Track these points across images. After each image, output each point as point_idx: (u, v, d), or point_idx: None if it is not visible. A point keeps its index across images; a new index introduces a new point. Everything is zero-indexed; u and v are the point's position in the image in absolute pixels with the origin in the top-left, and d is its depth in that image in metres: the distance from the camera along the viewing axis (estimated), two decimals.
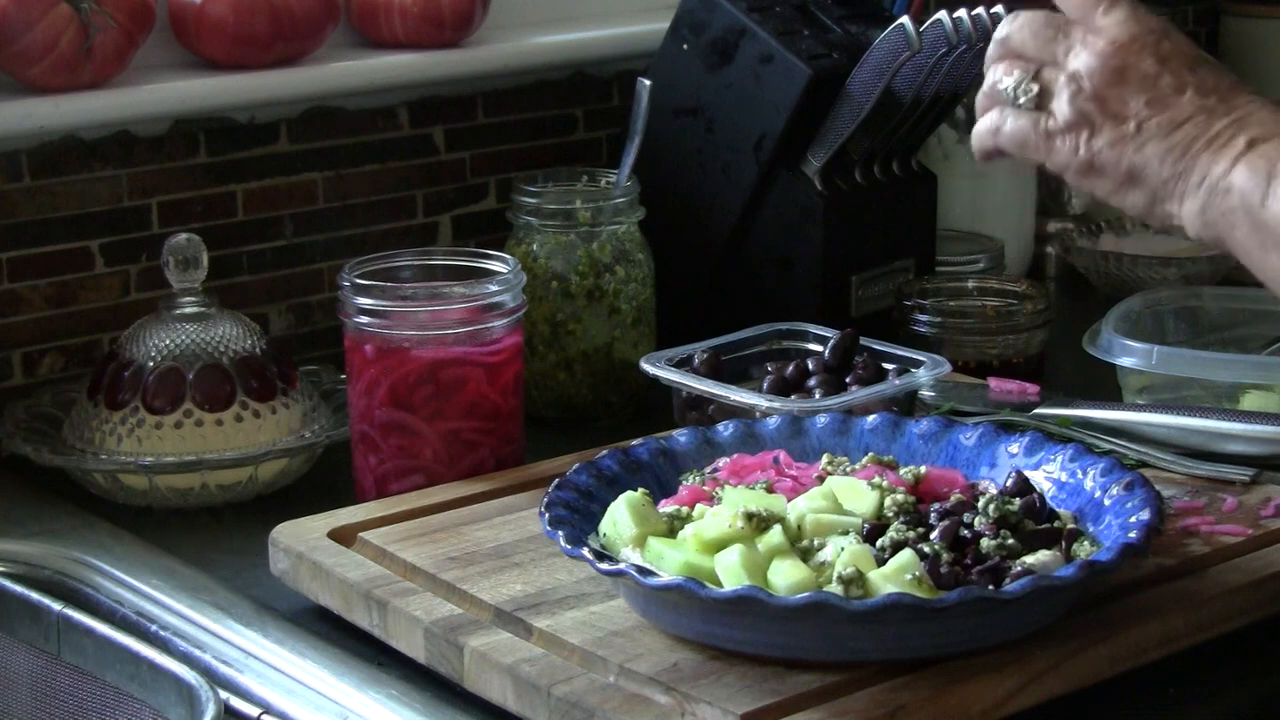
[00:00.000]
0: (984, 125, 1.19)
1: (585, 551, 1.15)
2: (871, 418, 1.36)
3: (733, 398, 1.46)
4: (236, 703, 1.22)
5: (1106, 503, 1.23)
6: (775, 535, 1.15)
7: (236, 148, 1.71)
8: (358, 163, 1.78)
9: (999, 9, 1.69)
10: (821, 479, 1.26)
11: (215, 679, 1.23)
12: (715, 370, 1.51)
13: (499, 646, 1.16)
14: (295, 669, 1.24)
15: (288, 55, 1.71)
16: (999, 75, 1.17)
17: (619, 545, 1.20)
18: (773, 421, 1.36)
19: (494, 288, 1.45)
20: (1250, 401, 1.52)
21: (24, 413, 1.57)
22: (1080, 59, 1.14)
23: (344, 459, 1.50)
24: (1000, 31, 1.18)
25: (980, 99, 1.20)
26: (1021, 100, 1.16)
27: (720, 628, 1.12)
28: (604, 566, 1.14)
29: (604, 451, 1.31)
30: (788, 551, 1.15)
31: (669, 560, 1.15)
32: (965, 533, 1.17)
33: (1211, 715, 1.18)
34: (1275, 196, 1.07)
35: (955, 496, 1.23)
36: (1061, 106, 1.14)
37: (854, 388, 1.48)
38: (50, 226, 1.63)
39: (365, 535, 1.32)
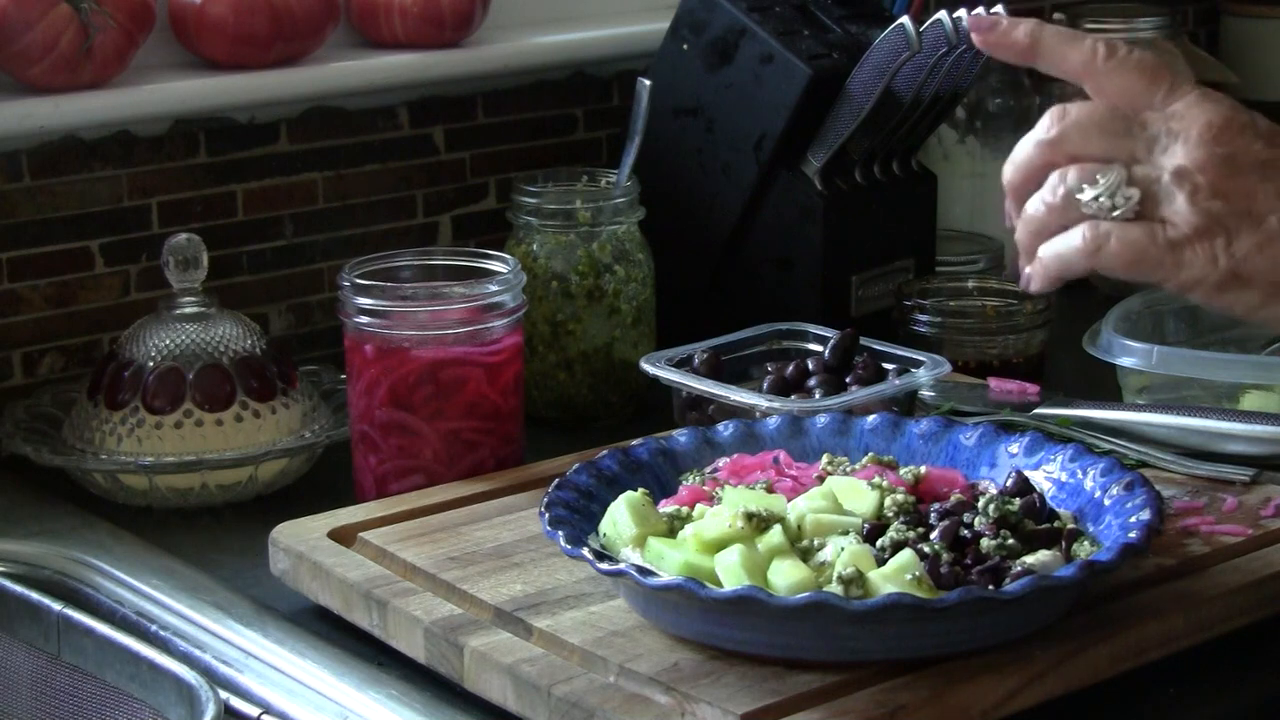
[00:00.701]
0: (1071, 245, 0.98)
1: (585, 551, 1.15)
2: (871, 418, 1.36)
3: (733, 398, 1.46)
4: (236, 703, 1.22)
5: (1106, 503, 1.23)
6: (775, 535, 1.15)
7: (236, 148, 1.71)
8: (358, 163, 1.78)
9: (999, 9, 1.69)
10: (821, 479, 1.26)
11: (215, 679, 1.23)
12: (715, 370, 1.51)
13: (499, 646, 1.16)
14: (295, 669, 1.24)
15: (288, 55, 1.71)
16: (1073, 183, 0.98)
17: (619, 545, 1.20)
18: (773, 421, 1.36)
19: (494, 288, 1.45)
20: (1250, 401, 1.52)
21: (24, 413, 1.57)
22: (1178, 153, 0.96)
23: (344, 459, 1.50)
24: (1045, 133, 1.00)
25: (1043, 212, 1.00)
26: (1120, 209, 0.96)
27: (720, 628, 1.12)
28: (604, 566, 1.14)
29: (604, 451, 1.31)
30: (788, 551, 1.15)
31: (669, 560, 1.15)
32: (965, 533, 1.17)
33: (1211, 715, 1.18)
34: None
35: (955, 496, 1.23)
36: (1181, 210, 0.96)
37: (854, 388, 1.48)
38: (50, 226, 1.63)
39: (365, 535, 1.32)
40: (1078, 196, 0.97)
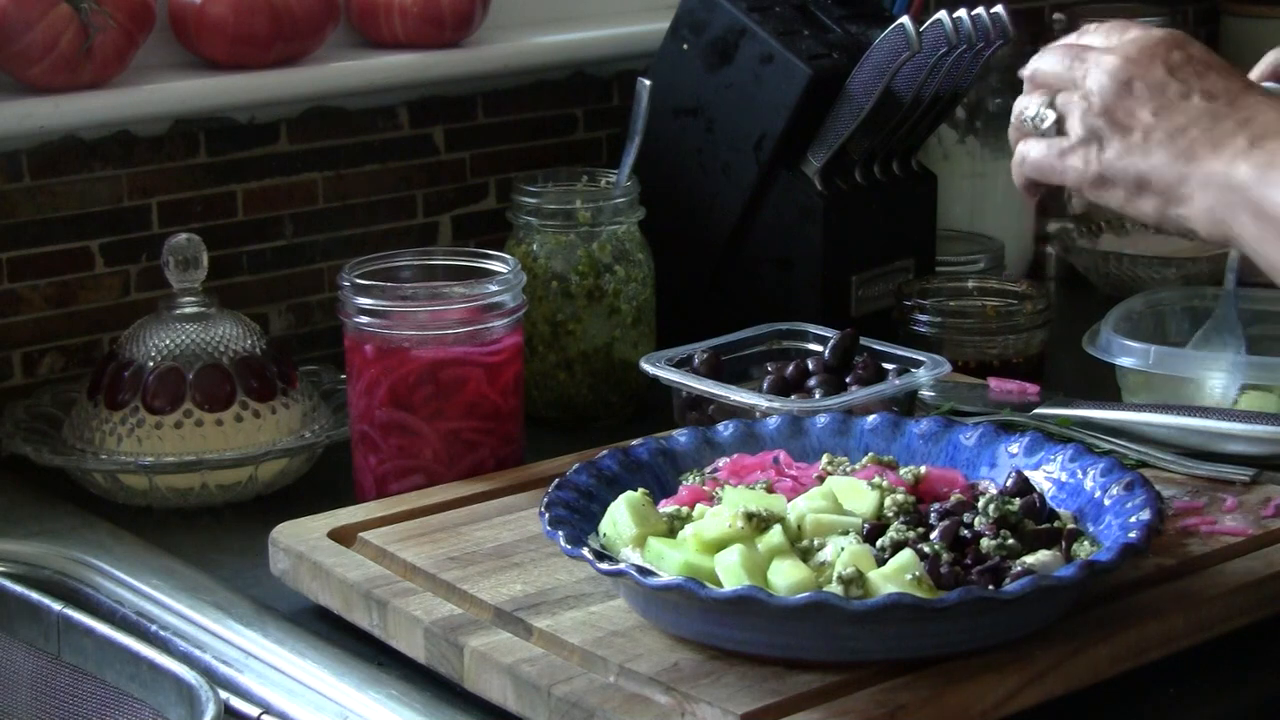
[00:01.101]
0: (1015, 159, 1.22)
1: (585, 551, 1.15)
2: (871, 418, 1.36)
3: (733, 398, 1.46)
4: (236, 703, 1.22)
5: (1106, 503, 1.23)
6: (775, 535, 1.15)
7: (236, 148, 1.71)
8: (358, 163, 1.78)
9: (999, 9, 1.69)
10: (821, 479, 1.26)
11: (215, 679, 1.23)
12: (715, 370, 1.51)
13: (499, 646, 1.16)
14: (295, 669, 1.24)
15: (288, 55, 1.71)
16: (1016, 108, 1.21)
17: (619, 545, 1.20)
18: (773, 421, 1.36)
19: (494, 288, 1.45)
20: (1250, 401, 1.52)
21: (24, 413, 1.57)
22: (1093, 77, 1.16)
23: (344, 459, 1.50)
24: (1028, 68, 1.22)
25: (1010, 133, 1.23)
26: (1043, 127, 1.19)
27: (720, 628, 1.12)
28: (604, 566, 1.14)
29: (604, 451, 1.31)
30: (788, 551, 1.15)
31: (669, 560, 1.15)
32: (965, 533, 1.17)
33: (1211, 715, 1.18)
34: (1276, 186, 1.08)
35: (955, 496, 1.23)
36: (1074, 125, 1.17)
37: (854, 388, 1.48)
38: (50, 226, 1.63)
39: (365, 535, 1.32)
40: (1021, 119, 1.21)
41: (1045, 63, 1.20)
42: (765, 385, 1.50)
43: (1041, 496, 1.23)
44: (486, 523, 1.34)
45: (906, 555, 1.13)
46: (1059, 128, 1.19)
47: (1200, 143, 1.12)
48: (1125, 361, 1.55)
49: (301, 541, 1.32)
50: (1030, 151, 1.20)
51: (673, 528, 1.20)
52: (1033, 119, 1.19)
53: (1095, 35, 1.20)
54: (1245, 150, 1.10)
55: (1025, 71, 1.22)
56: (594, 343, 1.65)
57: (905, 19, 1.64)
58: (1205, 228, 1.13)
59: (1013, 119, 1.22)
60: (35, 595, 1.32)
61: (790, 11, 1.75)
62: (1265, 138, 1.10)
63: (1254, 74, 1.23)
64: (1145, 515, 1.17)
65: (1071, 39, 1.22)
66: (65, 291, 1.64)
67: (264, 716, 1.21)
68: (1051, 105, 1.19)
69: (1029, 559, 1.15)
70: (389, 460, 1.45)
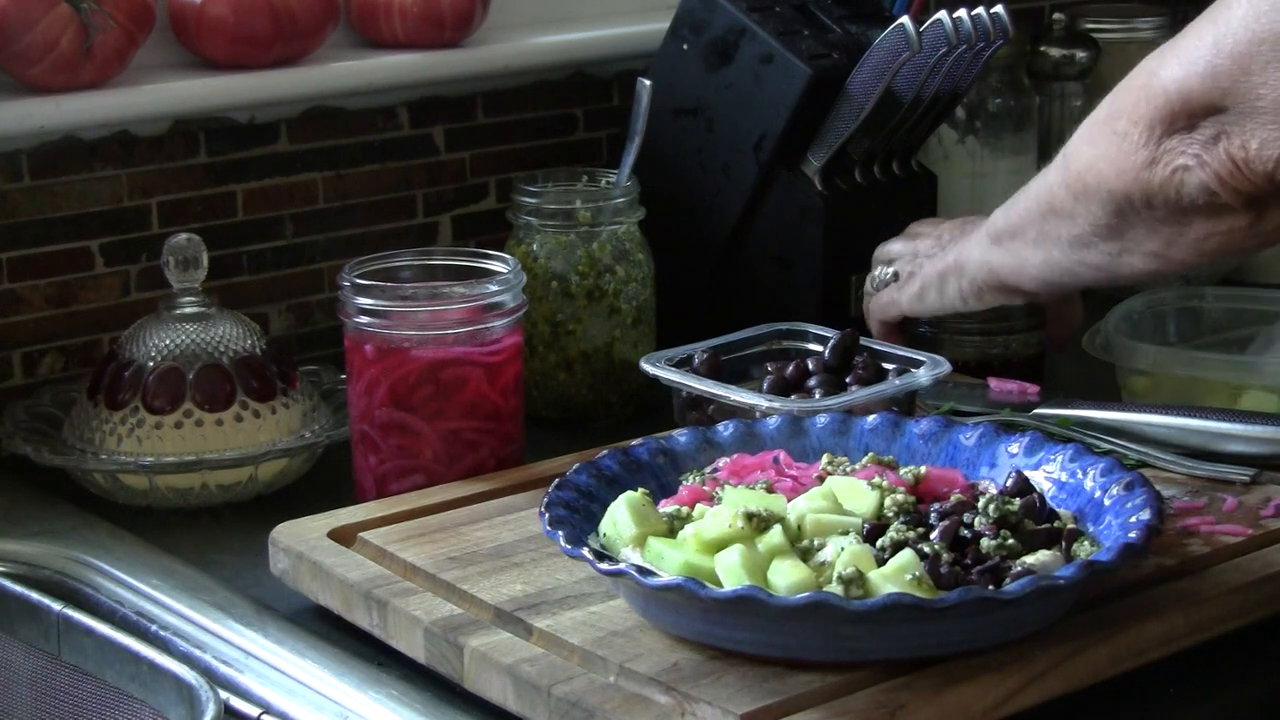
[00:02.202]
0: (868, 317, 1.66)
1: (585, 551, 1.15)
2: (871, 418, 1.36)
3: (733, 398, 1.46)
4: (236, 703, 1.22)
5: (1106, 503, 1.23)
6: (775, 535, 1.15)
7: (236, 148, 1.71)
8: (358, 163, 1.78)
9: (999, 9, 1.69)
10: (821, 479, 1.26)
11: (215, 679, 1.23)
12: (715, 370, 1.51)
13: (499, 646, 1.16)
14: (295, 669, 1.24)
15: (288, 55, 1.71)
16: (869, 277, 1.67)
17: (619, 545, 1.20)
18: (773, 421, 1.36)
19: (494, 288, 1.45)
20: (1250, 401, 1.51)
21: (24, 413, 1.57)
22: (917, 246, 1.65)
23: (344, 459, 1.50)
24: (877, 252, 1.68)
25: (865, 304, 1.66)
26: (886, 277, 1.64)
27: (720, 628, 1.12)
28: (604, 566, 1.14)
29: (604, 451, 1.31)
30: (788, 551, 1.15)
31: (669, 560, 1.15)
32: (965, 533, 1.17)
33: (1211, 715, 1.18)
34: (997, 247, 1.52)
35: (955, 496, 1.22)
36: (902, 268, 1.63)
37: (854, 388, 1.48)
38: (50, 226, 1.63)
39: (365, 535, 1.32)
40: (869, 288, 1.66)
41: (890, 248, 1.65)
42: (765, 385, 1.50)
43: (1041, 496, 1.23)
44: (486, 523, 1.34)
45: (906, 555, 1.13)
46: (895, 278, 1.62)
47: (967, 237, 1.56)
48: (1125, 361, 1.55)
49: (301, 541, 1.32)
50: (877, 300, 1.63)
51: (673, 528, 1.20)
52: (876, 279, 1.63)
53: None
54: (979, 240, 1.54)
55: (876, 254, 1.66)
56: (594, 343, 1.65)
57: (905, 19, 1.64)
58: (978, 283, 1.54)
59: (866, 289, 1.64)
60: (35, 595, 1.32)
61: (790, 11, 1.75)
62: (990, 235, 1.53)
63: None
64: (1145, 515, 1.17)
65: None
66: (65, 291, 1.64)
67: (264, 716, 1.21)
68: (893, 268, 1.63)
69: (1029, 559, 1.15)
70: (389, 460, 1.45)
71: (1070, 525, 1.21)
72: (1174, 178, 1.32)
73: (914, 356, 1.51)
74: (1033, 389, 1.55)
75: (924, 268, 1.57)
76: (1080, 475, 1.27)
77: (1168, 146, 1.32)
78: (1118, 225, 1.38)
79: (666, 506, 1.23)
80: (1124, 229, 1.38)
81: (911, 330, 1.63)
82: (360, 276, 1.46)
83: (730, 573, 1.13)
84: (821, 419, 1.36)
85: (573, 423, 1.66)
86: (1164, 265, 1.39)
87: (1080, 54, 2.06)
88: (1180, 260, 1.38)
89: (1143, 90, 1.33)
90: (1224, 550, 1.28)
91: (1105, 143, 1.36)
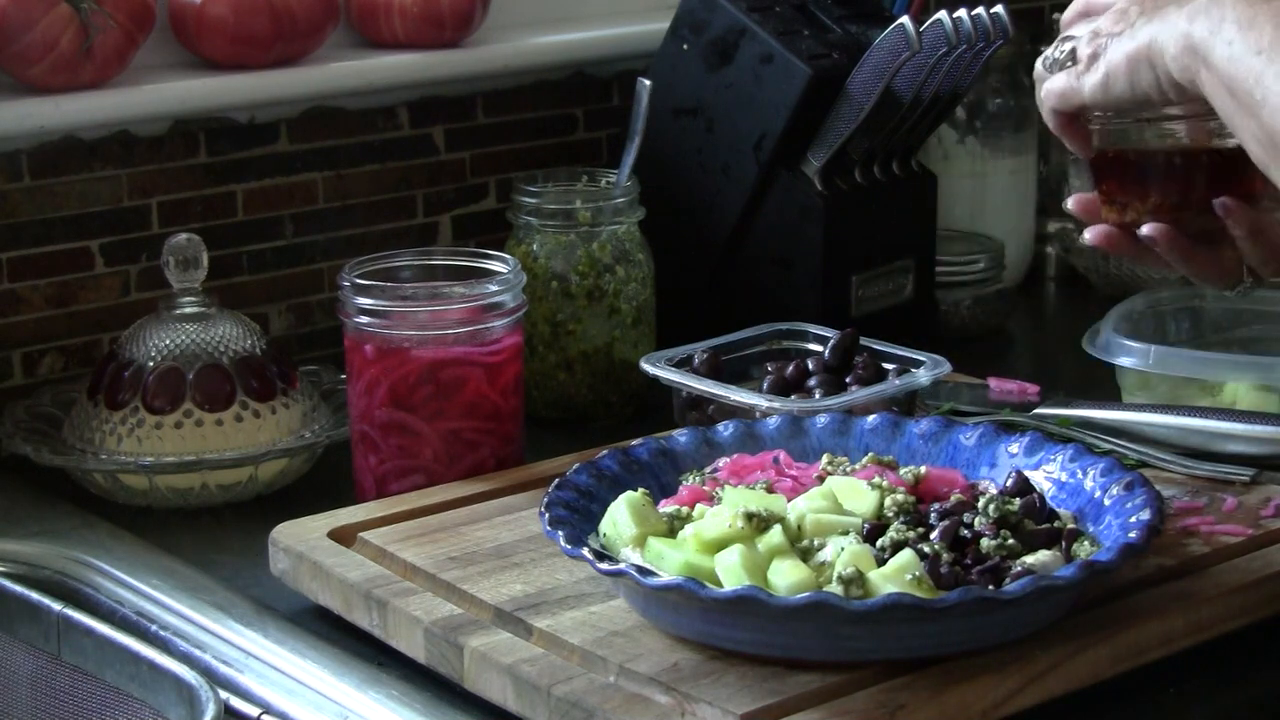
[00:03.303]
0: (1039, 99, 1.30)
1: (585, 551, 1.15)
2: (871, 418, 1.36)
3: (733, 398, 1.46)
4: (236, 703, 1.22)
5: (1106, 503, 1.23)
6: (775, 535, 1.15)
7: (236, 148, 1.71)
8: (358, 163, 1.78)
9: (999, 9, 1.69)
10: (821, 479, 1.26)
11: (215, 679, 1.23)
12: (715, 370, 1.51)
13: (499, 646, 1.16)
14: (295, 669, 1.24)
15: (288, 55, 1.71)
16: (1041, 58, 1.31)
17: (619, 545, 1.20)
18: (773, 421, 1.36)
19: (494, 288, 1.45)
20: (1250, 401, 1.51)
21: (24, 413, 1.57)
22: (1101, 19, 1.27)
23: (344, 459, 1.50)
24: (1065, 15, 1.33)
25: (1037, 82, 1.31)
26: (1061, 58, 1.28)
27: (720, 628, 1.12)
28: (604, 566, 1.14)
29: (604, 451, 1.31)
30: (788, 551, 1.15)
31: (669, 560, 1.15)
32: (965, 533, 1.17)
33: (1211, 715, 1.18)
34: (1221, 39, 1.14)
35: (955, 496, 1.23)
36: (1081, 48, 1.27)
37: (854, 388, 1.48)
38: (50, 226, 1.63)
39: (365, 535, 1.32)
40: (1040, 68, 1.29)
41: (1069, 13, 1.31)
42: (765, 385, 1.50)
43: (1041, 496, 1.23)
44: (486, 523, 1.34)
45: (906, 555, 1.13)
46: (1073, 59, 1.27)
47: (1169, 8, 1.19)
48: (1125, 361, 1.55)
49: (301, 541, 1.32)
50: (1052, 85, 1.28)
51: (673, 528, 1.20)
52: (1050, 59, 1.28)
53: None
54: (1204, 8, 1.16)
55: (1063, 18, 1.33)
56: (594, 343, 1.65)
57: (905, 19, 1.64)
58: (1181, 76, 1.18)
59: (1036, 72, 1.30)
60: (35, 595, 1.33)
61: (790, 11, 1.75)
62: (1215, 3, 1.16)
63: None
64: (1145, 515, 1.17)
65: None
66: (65, 291, 1.64)
67: (264, 716, 1.21)
68: (1071, 42, 1.28)
69: (1029, 559, 1.15)
70: (389, 460, 1.45)
71: (1070, 525, 1.21)
72: None
73: (914, 356, 1.52)
74: (1033, 389, 1.55)
75: (1109, 49, 1.26)
76: (1080, 475, 1.27)
77: None
78: None
79: (666, 506, 1.23)
80: None
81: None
82: (360, 276, 1.46)
83: (730, 573, 1.13)
84: (821, 419, 1.36)
85: (573, 423, 1.66)
86: None
87: None
88: None
89: None
90: (1224, 550, 1.28)
91: None
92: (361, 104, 1.77)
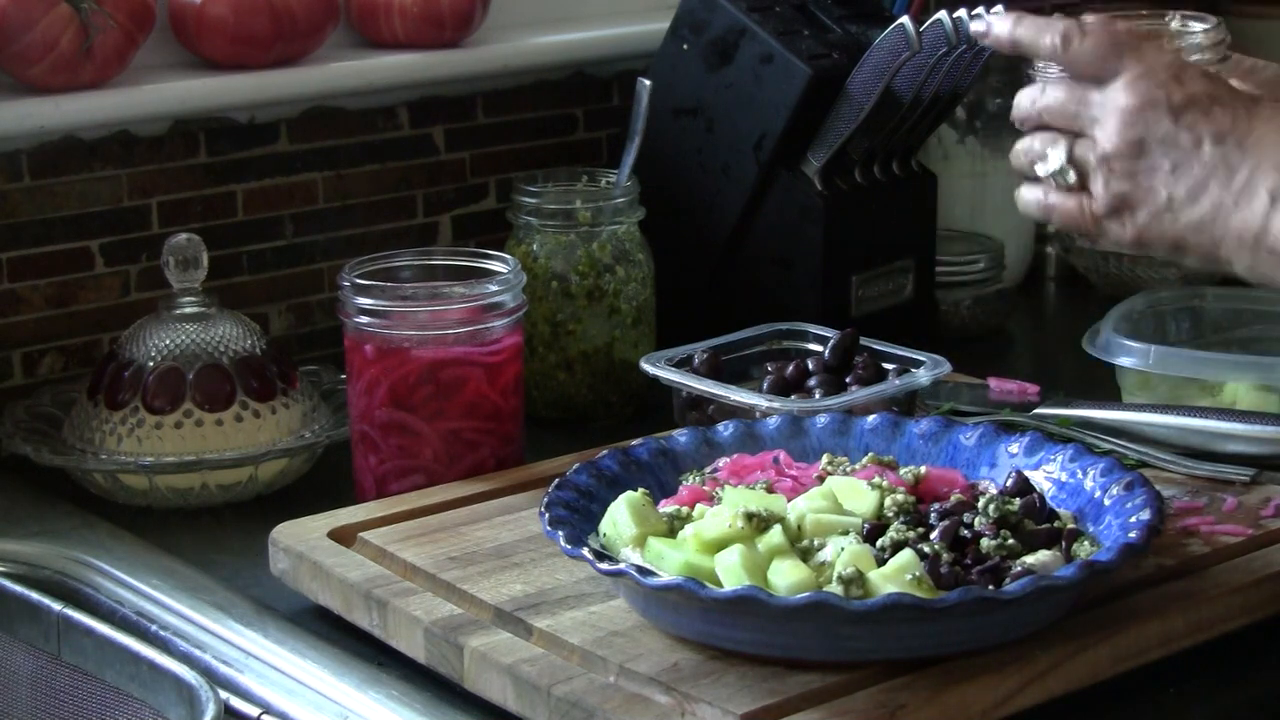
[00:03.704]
0: (1032, 199, 1.24)
1: (585, 551, 1.15)
2: (871, 418, 1.36)
3: (733, 398, 1.46)
4: (236, 703, 1.22)
5: (1106, 503, 1.23)
6: (775, 535, 1.15)
7: (236, 148, 1.71)
8: (358, 163, 1.78)
9: (998, 9, 1.69)
10: (821, 479, 1.26)
11: (215, 679, 1.23)
12: (715, 370, 1.51)
13: (499, 646, 1.16)
14: (295, 669, 1.24)
15: (288, 55, 1.71)
16: (1035, 151, 1.22)
17: (619, 545, 1.20)
18: (773, 421, 1.36)
19: (494, 288, 1.45)
20: (1250, 401, 1.51)
21: (24, 413, 1.57)
22: (1103, 134, 1.18)
23: (344, 459, 1.50)
24: (1029, 103, 1.23)
25: (1018, 159, 1.25)
26: (1069, 181, 1.21)
27: (720, 628, 1.12)
28: (604, 566, 1.14)
29: (604, 451, 1.31)
30: (788, 551, 1.15)
31: (669, 560, 1.15)
32: (965, 533, 1.17)
33: (1211, 715, 1.18)
34: None
35: (955, 496, 1.23)
36: (1099, 191, 1.19)
37: (854, 388, 1.48)
38: (50, 226, 1.63)
39: (365, 535, 1.32)
40: (1040, 172, 1.23)
41: (1048, 101, 1.21)
42: (765, 385, 1.50)
43: (1041, 496, 1.23)
44: (486, 523, 1.34)
45: (906, 555, 1.13)
46: (1080, 183, 1.21)
47: (1223, 205, 1.14)
48: (1125, 361, 1.55)
49: (301, 541, 1.32)
50: (1056, 208, 1.22)
51: (673, 528, 1.20)
52: (1054, 176, 1.21)
53: (1085, 46, 1.19)
54: (1268, 210, 1.12)
55: (1030, 107, 1.22)
56: (594, 343, 1.65)
57: (905, 19, 1.64)
58: (1252, 279, 1.16)
59: (1023, 152, 1.24)
60: (35, 595, 1.33)
61: (790, 11, 1.75)
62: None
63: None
64: (1145, 515, 1.17)
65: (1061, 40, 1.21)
66: (65, 291, 1.64)
67: (264, 716, 1.21)
68: (1071, 160, 1.21)
69: (1029, 559, 1.15)
70: (389, 460, 1.45)
71: (1070, 525, 1.21)
72: None
73: (914, 356, 1.52)
74: (1033, 389, 1.55)
75: (1143, 213, 1.17)
76: (1080, 475, 1.27)
77: None
78: None
79: (666, 506, 1.23)
80: None
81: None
82: (360, 276, 1.46)
83: (730, 573, 1.13)
84: (821, 419, 1.36)
85: (573, 423, 1.66)
86: None
87: None
88: None
89: None
90: (1224, 550, 1.28)
91: None
92: (361, 104, 1.77)
